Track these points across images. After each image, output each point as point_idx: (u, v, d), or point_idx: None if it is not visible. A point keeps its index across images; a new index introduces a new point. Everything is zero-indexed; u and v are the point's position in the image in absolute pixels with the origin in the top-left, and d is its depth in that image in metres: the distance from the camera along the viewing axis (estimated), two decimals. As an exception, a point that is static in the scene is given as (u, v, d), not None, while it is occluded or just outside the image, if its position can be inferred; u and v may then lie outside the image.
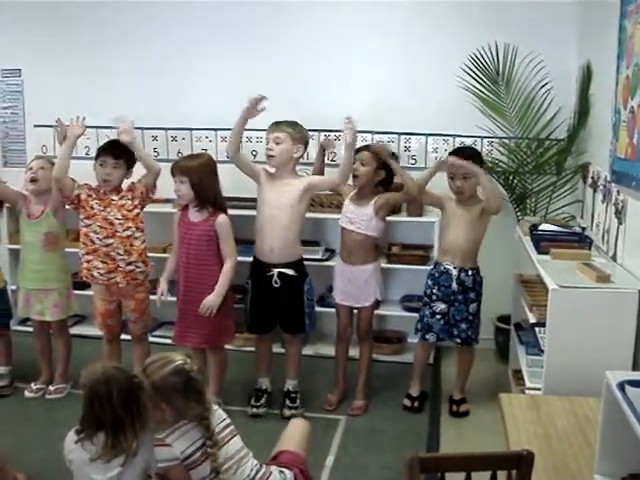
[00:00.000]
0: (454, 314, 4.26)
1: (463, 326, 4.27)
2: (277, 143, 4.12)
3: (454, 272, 4.21)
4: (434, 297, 4.28)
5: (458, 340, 4.32)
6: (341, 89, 5.13)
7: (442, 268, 4.26)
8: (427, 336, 4.33)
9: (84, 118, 4.23)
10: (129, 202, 4.25)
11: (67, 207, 4.40)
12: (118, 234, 4.21)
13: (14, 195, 4.50)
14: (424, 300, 4.36)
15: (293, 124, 4.18)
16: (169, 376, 2.65)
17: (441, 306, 4.26)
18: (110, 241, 4.21)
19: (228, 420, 2.82)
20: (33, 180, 4.38)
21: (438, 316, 4.27)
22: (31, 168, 4.41)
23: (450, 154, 4.28)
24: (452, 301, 4.25)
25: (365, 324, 4.45)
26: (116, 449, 2.69)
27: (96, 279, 4.29)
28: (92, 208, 4.23)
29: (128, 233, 4.23)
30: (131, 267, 4.26)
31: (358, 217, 4.28)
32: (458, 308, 4.25)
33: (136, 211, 4.27)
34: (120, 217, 4.21)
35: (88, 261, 4.27)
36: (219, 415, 2.79)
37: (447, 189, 4.25)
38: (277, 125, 4.16)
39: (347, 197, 4.39)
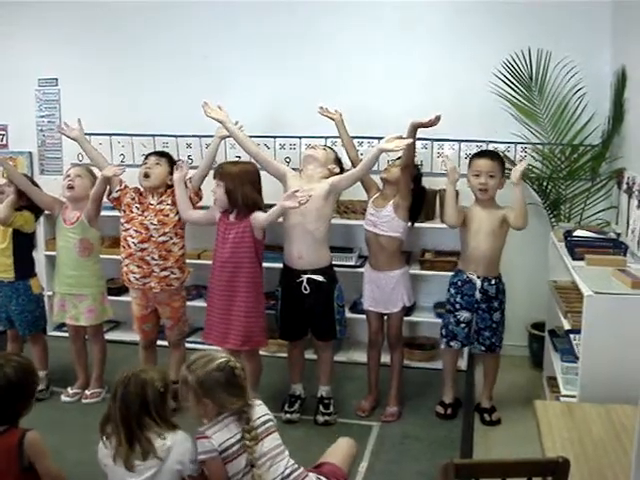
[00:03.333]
0: (478, 322, 4.26)
1: (487, 334, 4.26)
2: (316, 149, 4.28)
3: (478, 282, 4.20)
4: (457, 306, 4.27)
5: (482, 348, 4.30)
6: (376, 96, 5.13)
7: (465, 277, 4.25)
8: (452, 343, 4.33)
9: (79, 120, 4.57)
10: (168, 207, 4.30)
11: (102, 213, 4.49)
12: (153, 239, 4.26)
13: (50, 201, 4.56)
14: (447, 308, 4.36)
15: (327, 148, 4.38)
16: (213, 372, 2.76)
17: (465, 314, 4.26)
18: (145, 246, 4.26)
19: (269, 416, 2.89)
20: (70, 187, 4.45)
21: (462, 325, 4.27)
22: (69, 175, 4.48)
23: (474, 156, 4.29)
24: (475, 309, 4.24)
25: (395, 330, 4.44)
26: (136, 449, 2.74)
27: (132, 283, 4.34)
28: (131, 212, 4.30)
29: (164, 239, 4.28)
30: (166, 273, 4.30)
31: (380, 219, 4.28)
32: (482, 317, 4.24)
33: (177, 217, 4.32)
34: (156, 222, 4.26)
35: (126, 265, 4.33)
36: (261, 410, 2.87)
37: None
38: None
39: (370, 199, 4.39)
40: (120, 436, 2.75)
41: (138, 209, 4.31)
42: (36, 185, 4.62)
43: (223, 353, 2.88)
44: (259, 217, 4.04)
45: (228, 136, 4.44)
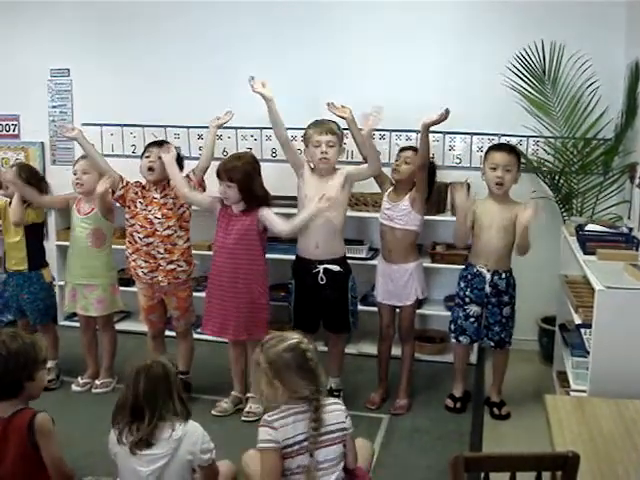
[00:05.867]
0: (487, 317, 4.25)
1: (497, 329, 4.25)
2: (331, 146, 4.15)
3: (487, 275, 4.19)
4: (467, 300, 4.26)
5: (492, 343, 4.30)
6: (387, 88, 5.11)
7: (475, 270, 4.23)
8: (460, 338, 4.33)
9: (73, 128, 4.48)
10: (171, 200, 4.29)
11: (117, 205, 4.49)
12: (158, 233, 4.26)
13: (62, 202, 4.65)
14: (457, 301, 4.35)
15: (336, 124, 4.24)
16: (283, 352, 2.71)
17: (474, 309, 4.25)
18: (150, 240, 4.27)
19: (344, 425, 2.80)
20: (78, 184, 4.47)
21: (472, 319, 4.26)
22: (75, 173, 4.48)
23: (491, 148, 4.27)
24: (485, 304, 4.23)
25: (407, 323, 4.44)
26: (150, 439, 2.75)
27: (140, 278, 4.35)
28: (135, 207, 4.31)
29: (169, 232, 4.28)
30: (172, 266, 4.31)
31: (396, 213, 4.27)
32: (492, 311, 4.23)
33: (181, 210, 4.32)
34: (160, 216, 4.26)
35: (134, 260, 4.34)
36: (335, 418, 2.79)
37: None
38: (328, 127, 4.18)
39: (385, 193, 4.38)
40: (133, 425, 2.76)
41: (142, 204, 4.30)
42: (44, 185, 4.65)
43: (297, 334, 2.80)
44: (275, 223, 4.07)
45: (223, 125, 4.50)
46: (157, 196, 4.29)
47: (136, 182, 4.39)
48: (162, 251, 4.28)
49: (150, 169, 4.29)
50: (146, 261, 4.30)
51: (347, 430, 2.81)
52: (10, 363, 2.79)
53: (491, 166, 4.14)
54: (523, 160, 4.69)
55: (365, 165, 4.26)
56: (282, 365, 2.70)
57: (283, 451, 2.68)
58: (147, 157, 4.31)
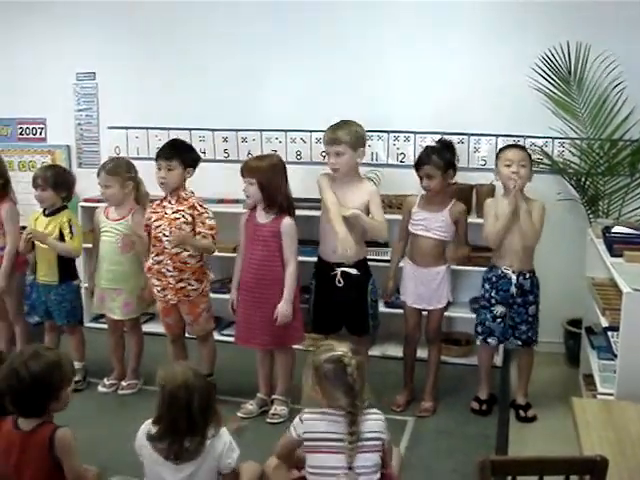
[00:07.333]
0: (514, 317, 4.24)
1: (523, 328, 4.24)
2: (338, 155, 4.12)
3: (513, 277, 4.17)
4: (493, 301, 4.25)
5: (519, 342, 4.28)
6: (412, 89, 5.12)
7: (500, 272, 4.22)
8: (489, 340, 4.31)
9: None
10: (183, 220, 4.19)
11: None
12: (167, 251, 4.21)
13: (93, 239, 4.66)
14: (482, 303, 4.33)
15: (348, 129, 4.12)
16: (325, 363, 2.81)
17: (500, 309, 4.23)
18: (160, 258, 4.24)
19: (381, 435, 2.83)
20: (105, 199, 4.52)
21: (499, 320, 4.25)
22: (99, 183, 4.47)
23: (502, 149, 4.28)
24: (511, 304, 4.21)
25: (435, 326, 4.42)
26: (187, 453, 2.73)
27: (156, 295, 4.36)
28: (150, 228, 4.28)
29: (177, 250, 4.19)
30: (182, 284, 4.26)
31: (433, 224, 4.24)
32: (517, 311, 4.22)
33: (192, 232, 4.21)
34: (168, 234, 4.18)
35: (149, 278, 4.35)
36: (374, 426, 2.83)
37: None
38: (334, 136, 4.11)
39: (413, 205, 4.33)
40: (177, 441, 2.73)
41: (151, 219, 4.27)
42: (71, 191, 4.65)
43: (344, 346, 2.86)
44: (289, 227, 4.09)
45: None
46: (169, 211, 4.21)
47: (152, 203, 4.39)
48: (171, 269, 4.22)
49: (162, 184, 4.25)
50: (158, 279, 4.28)
51: (384, 440, 2.84)
52: (33, 387, 2.72)
53: (506, 163, 4.12)
54: (549, 162, 4.69)
55: (376, 223, 4.18)
56: (322, 374, 2.80)
57: (308, 443, 2.79)
58: (159, 170, 4.23)
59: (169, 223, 4.20)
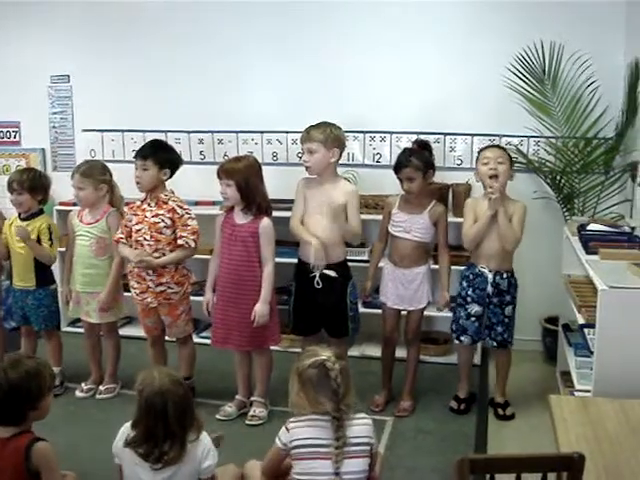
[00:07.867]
0: (490, 317, 4.24)
1: (499, 329, 4.24)
2: (311, 153, 4.14)
3: (490, 275, 4.18)
4: (469, 299, 4.26)
5: (494, 343, 4.29)
6: (388, 90, 5.12)
7: (477, 270, 4.23)
8: (462, 338, 4.32)
9: None
10: (163, 224, 4.19)
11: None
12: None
13: (69, 242, 4.62)
14: (458, 301, 4.35)
15: (323, 129, 4.14)
16: (309, 368, 2.80)
17: (476, 308, 4.24)
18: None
19: (368, 440, 2.81)
20: (78, 200, 4.49)
21: (473, 318, 4.26)
22: (73, 185, 4.45)
23: (482, 150, 4.28)
24: (487, 304, 4.22)
25: (414, 326, 4.43)
26: (167, 458, 2.71)
27: (135, 298, 4.34)
28: (130, 229, 4.26)
29: (157, 255, 4.19)
30: (162, 288, 4.25)
31: (414, 225, 4.24)
32: (494, 311, 4.22)
33: (173, 236, 4.21)
34: (149, 238, 4.18)
35: (129, 280, 4.34)
36: (362, 431, 2.81)
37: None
38: (308, 134, 4.15)
39: (393, 206, 4.34)
40: (153, 447, 2.71)
41: (131, 222, 4.25)
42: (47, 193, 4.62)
43: (328, 351, 2.85)
44: (267, 229, 4.08)
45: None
46: (148, 214, 4.21)
47: (130, 206, 4.38)
48: (151, 273, 4.22)
49: (138, 183, 4.24)
50: (138, 282, 4.27)
51: (372, 445, 2.84)
52: (11, 396, 2.69)
53: (484, 161, 4.14)
54: (524, 160, 4.71)
55: (349, 227, 4.21)
56: (306, 379, 2.79)
57: (295, 451, 2.75)
58: (135, 168, 4.24)
59: (149, 227, 4.19)
